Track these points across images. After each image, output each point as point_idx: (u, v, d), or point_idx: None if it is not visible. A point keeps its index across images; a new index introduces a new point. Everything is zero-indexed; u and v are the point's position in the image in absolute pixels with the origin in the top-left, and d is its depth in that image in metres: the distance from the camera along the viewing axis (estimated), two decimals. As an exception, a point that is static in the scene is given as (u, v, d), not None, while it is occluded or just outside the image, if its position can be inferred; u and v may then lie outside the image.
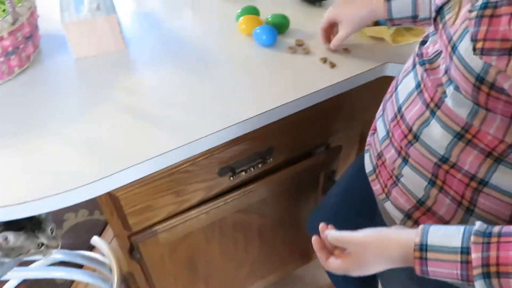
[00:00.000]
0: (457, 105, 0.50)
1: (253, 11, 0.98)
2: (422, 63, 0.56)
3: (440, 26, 0.52)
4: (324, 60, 0.86)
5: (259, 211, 1.01)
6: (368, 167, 0.70)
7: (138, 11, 1.06)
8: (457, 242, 0.46)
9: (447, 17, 0.51)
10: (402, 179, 0.61)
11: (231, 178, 0.84)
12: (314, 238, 0.60)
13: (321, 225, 0.61)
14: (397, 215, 0.63)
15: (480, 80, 0.44)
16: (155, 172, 0.73)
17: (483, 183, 0.52)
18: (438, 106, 0.53)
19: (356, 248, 0.54)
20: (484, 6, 0.42)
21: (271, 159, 0.88)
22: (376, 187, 0.68)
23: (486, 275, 0.43)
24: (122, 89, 0.81)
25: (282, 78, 0.83)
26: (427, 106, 0.55)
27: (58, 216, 1.61)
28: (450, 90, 0.51)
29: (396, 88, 0.63)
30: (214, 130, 0.72)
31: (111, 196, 0.74)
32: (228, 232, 0.99)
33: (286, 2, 1.08)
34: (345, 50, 0.89)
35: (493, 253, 0.43)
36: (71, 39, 0.88)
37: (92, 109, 0.77)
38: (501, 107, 0.46)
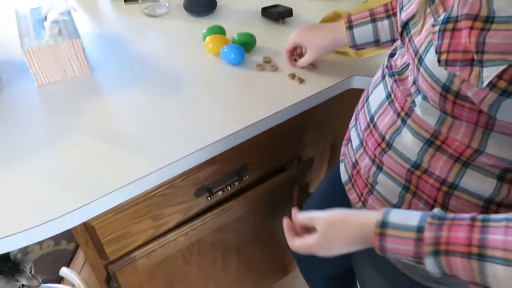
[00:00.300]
0: (426, 113, 0.53)
1: (219, 30, 0.99)
2: (392, 75, 0.59)
3: (407, 40, 0.55)
4: (293, 76, 0.88)
5: (236, 228, 1.01)
6: (344, 177, 0.72)
7: (101, 34, 1.04)
8: (414, 222, 0.49)
9: (412, 31, 0.54)
10: (377, 187, 0.63)
11: (209, 198, 0.84)
12: (285, 221, 0.63)
13: (293, 210, 0.64)
14: None
15: (446, 89, 0.47)
16: (131, 198, 0.71)
17: (453, 186, 0.55)
18: (408, 115, 0.56)
19: (322, 225, 0.56)
20: (446, 21, 0.45)
21: (247, 177, 0.88)
22: (352, 196, 0.70)
23: (436, 253, 0.46)
24: (90, 115, 0.79)
25: (253, 95, 0.84)
26: (398, 115, 0.57)
27: (21, 248, 1.53)
28: (418, 99, 0.53)
29: (367, 99, 0.65)
30: (188, 152, 0.72)
31: (86, 226, 0.71)
32: (206, 252, 0.98)
33: (250, 20, 1.09)
34: (311, 65, 0.91)
35: (444, 233, 0.46)
36: (32, 66, 0.85)
37: (60, 137, 0.75)
38: (466, 114, 0.49)
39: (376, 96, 0.62)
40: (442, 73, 0.46)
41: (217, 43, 0.94)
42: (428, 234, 0.47)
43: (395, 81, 0.58)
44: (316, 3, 1.20)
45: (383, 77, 0.62)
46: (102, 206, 0.67)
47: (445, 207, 0.56)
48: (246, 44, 0.95)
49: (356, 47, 0.82)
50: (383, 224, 0.50)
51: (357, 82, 0.91)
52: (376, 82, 0.64)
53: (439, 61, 0.45)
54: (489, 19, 0.41)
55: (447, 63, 0.45)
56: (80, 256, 1.51)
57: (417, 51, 0.51)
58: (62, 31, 0.88)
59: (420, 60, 0.49)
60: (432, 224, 0.47)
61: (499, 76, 0.41)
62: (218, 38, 0.95)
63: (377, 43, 0.80)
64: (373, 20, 0.78)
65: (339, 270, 0.98)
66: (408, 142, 0.56)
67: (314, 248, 0.57)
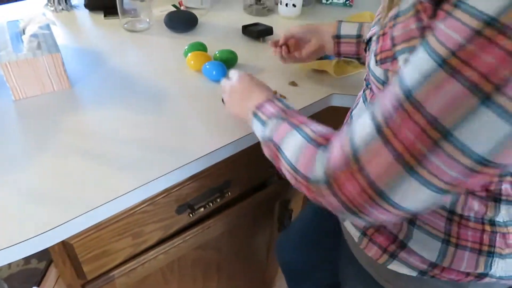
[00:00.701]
0: None
1: (200, 47, 0.99)
2: (368, 84, 0.63)
3: (367, 54, 0.60)
4: (274, 93, 0.89)
5: (217, 245, 1.00)
6: None
7: (80, 48, 1.03)
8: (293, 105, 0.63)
9: (372, 45, 0.58)
10: None
11: (190, 215, 0.83)
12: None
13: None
14: (354, 232, 0.66)
15: (384, 85, 0.52)
16: (112, 215, 0.70)
17: None
18: None
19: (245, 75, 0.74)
20: (380, 29, 0.52)
21: (229, 193, 0.88)
22: None
23: (283, 119, 0.57)
24: (69, 131, 0.78)
25: (235, 112, 0.85)
26: None
27: (-11, 268, 1.47)
28: None
29: (351, 113, 0.68)
30: (170, 169, 0.71)
31: (64, 244, 0.69)
32: (186, 269, 0.97)
33: (231, 38, 1.11)
34: (292, 83, 0.93)
35: (299, 116, 0.57)
36: (9, 80, 0.83)
37: (38, 154, 0.73)
38: None
39: (358, 108, 0.66)
40: (380, 72, 0.52)
41: (198, 59, 0.95)
42: (291, 109, 0.60)
43: (370, 89, 0.61)
44: (295, 22, 1.22)
45: (364, 91, 0.65)
46: (83, 223, 0.65)
47: (415, 216, 0.58)
48: (228, 61, 0.96)
49: (339, 40, 0.84)
50: (279, 99, 0.64)
51: (336, 100, 0.93)
52: (359, 97, 0.68)
53: (376, 62, 0.52)
54: (396, 15, 0.48)
55: (381, 62, 0.51)
56: (51, 275, 1.46)
57: (368, 60, 0.57)
58: (41, 45, 0.86)
59: (369, 67, 0.55)
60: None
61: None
62: (200, 55, 0.95)
63: (358, 38, 0.83)
64: (361, 23, 0.83)
65: (326, 285, 0.98)
66: None
67: (228, 86, 0.74)
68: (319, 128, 0.52)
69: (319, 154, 0.46)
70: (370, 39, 0.60)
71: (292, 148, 0.51)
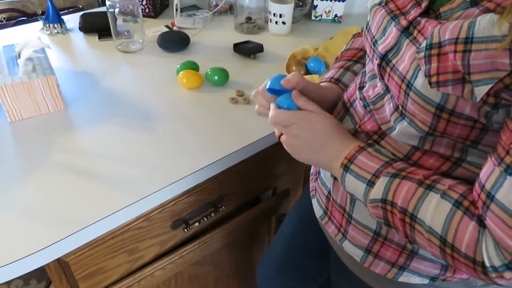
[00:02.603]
0: (405, 137, 0.54)
1: (192, 65, 1.02)
2: (366, 105, 0.60)
3: (388, 69, 0.55)
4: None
5: (214, 261, 1.01)
6: (319, 212, 0.72)
7: (76, 70, 1.06)
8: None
9: (393, 61, 0.54)
10: (354, 216, 0.62)
11: (185, 230, 0.84)
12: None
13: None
14: (356, 252, 0.65)
15: (440, 108, 0.49)
16: (106, 232, 0.71)
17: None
18: (382, 137, 0.57)
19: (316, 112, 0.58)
20: (430, 47, 0.47)
21: (223, 207, 0.89)
22: (330, 229, 0.69)
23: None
24: (64, 151, 0.79)
25: (227, 128, 0.86)
26: (370, 139, 0.58)
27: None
28: (403, 124, 0.54)
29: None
30: (164, 185, 0.72)
31: (60, 262, 0.70)
32: (184, 286, 0.97)
33: (222, 56, 1.13)
34: (283, 97, 0.95)
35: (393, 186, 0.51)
36: (5, 102, 0.85)
37: (33, 174, 0.74)
38: (458, 131, 0.50)
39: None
40: (435, 94, 0.48)
41: (190, 78, 0.97)
42: (395, 160, 0.53)
43: (370, 111, 0.59)
44: (285, 39, 1.25)
45: (347, 110, 0.63)
46: (77, 241, 0.66)
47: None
48: (220, 78, 0.98)
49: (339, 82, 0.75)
50: (369, 145, 0.55)
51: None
52: (338, 116, 0.65)
53: (430, 83, 0.47)
54: (468, 40, 0.43)
55: (438, 84, 0.47)
56: (50, 297, 1.45)
57: (404, 77, 0.51)
58: (36, 68, 0.88)
59: (409, 85, 0.50)
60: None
61: (487, 93, 0.43)
62: (191, 73, 0.98)
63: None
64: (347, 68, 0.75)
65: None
66: None
67: (293, 127, 0.59)
68: (457, 184, 0.47)
69: (481, 235, 0.43)
70: (386, 54, 0.55)
71: (437, 218, 0.46)
